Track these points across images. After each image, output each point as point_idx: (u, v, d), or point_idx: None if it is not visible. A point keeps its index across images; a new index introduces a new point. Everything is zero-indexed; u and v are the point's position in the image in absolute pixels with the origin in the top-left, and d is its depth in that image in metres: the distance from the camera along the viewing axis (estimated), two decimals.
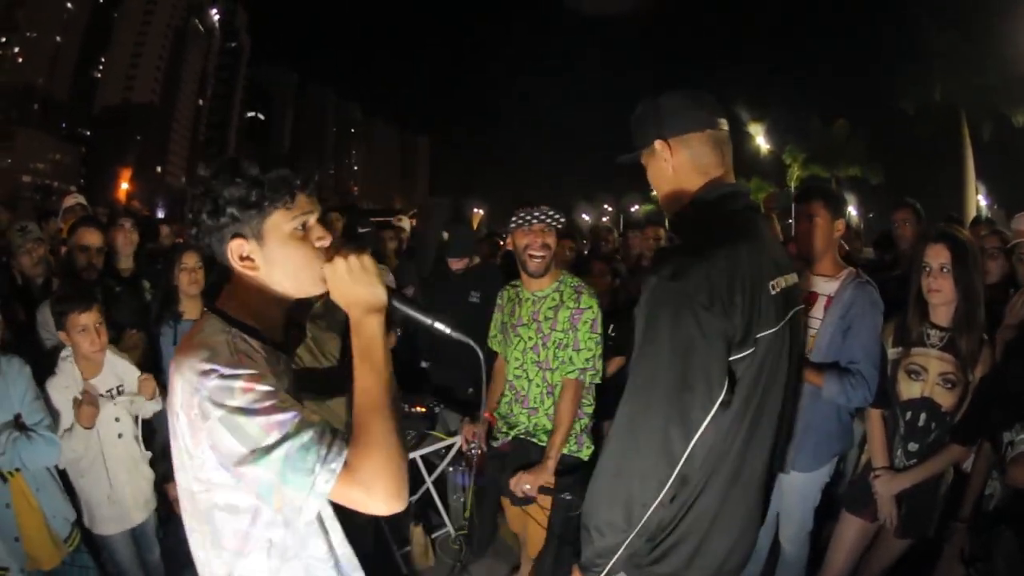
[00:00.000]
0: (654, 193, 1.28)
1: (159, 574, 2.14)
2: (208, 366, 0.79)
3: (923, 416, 1.75)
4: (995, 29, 13.85)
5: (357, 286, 0.87)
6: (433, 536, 2.66)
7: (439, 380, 2.84)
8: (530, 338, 2.02)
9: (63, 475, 1.91)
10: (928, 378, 1.74)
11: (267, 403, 0.78)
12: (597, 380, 2.00)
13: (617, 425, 1.01)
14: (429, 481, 2.57)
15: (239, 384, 0.78)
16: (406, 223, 4.97)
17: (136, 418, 2.05)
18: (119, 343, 2.18)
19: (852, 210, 23.36)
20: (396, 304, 0.92)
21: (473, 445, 2.18)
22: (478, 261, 3.02)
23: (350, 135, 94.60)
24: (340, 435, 0.80)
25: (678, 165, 1.17)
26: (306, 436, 0.77)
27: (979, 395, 1.69)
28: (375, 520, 2.23)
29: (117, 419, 1.96)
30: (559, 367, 1.98)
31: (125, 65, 61.96)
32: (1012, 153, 15.86)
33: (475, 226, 5.71)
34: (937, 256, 1.71)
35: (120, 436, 1.98)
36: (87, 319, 1.86)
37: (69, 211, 3.42)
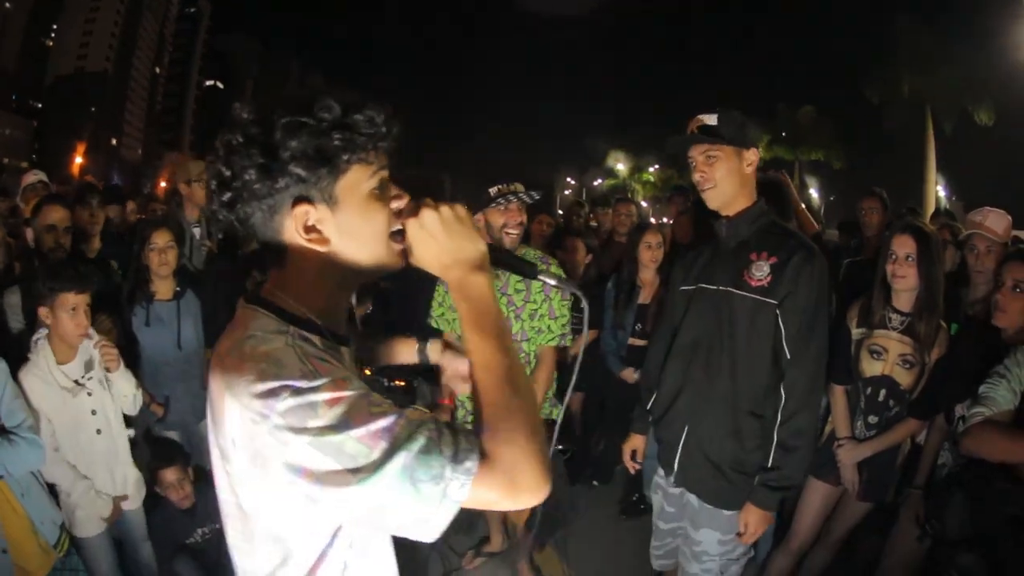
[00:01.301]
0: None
1: (150, 572, 2.06)
2: (274, 384, 0.61)
3: (883, 392, 1.89)
4: (963, 26, 14.32)
5: (456, 240, 0.71)
6: None
7: None
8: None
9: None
10: (888, 358, 1.88)
11: (362, 411, 0.60)
12: (568, 343, 2.10)
13: (816, 354, 1.48)
14: None
15: (321, 397, 0.60)
16: None
17: (117, 409, 1.92)
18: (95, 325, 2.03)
19: (813, 192, 24.37)
20: (498, 257, 0.79)
21: (453, 401, 2.21)
22: None
23: None
24: (459, 426, 0.65)
25: (751, 174, 1.53)
26: (421, 438, 0.60)
27: (934, 375, 1.84)
28: None
29: (94, 412, 1.84)
30: (534, 336, 2.03)
31: (78, 33, 57.82)
32: (972, 148, 16.54)
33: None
34: (903, 246, 1.83)
35: (99, 432, 1.85)
36: (78, 300, 1.76)
37: (30, 189, 3.20)
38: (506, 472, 0.61)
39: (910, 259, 1.81)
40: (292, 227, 0.69)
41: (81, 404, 1.81)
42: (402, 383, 2.48)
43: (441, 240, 0.71)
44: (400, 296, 2.81)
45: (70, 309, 1.74)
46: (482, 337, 0.68)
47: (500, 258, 0.81)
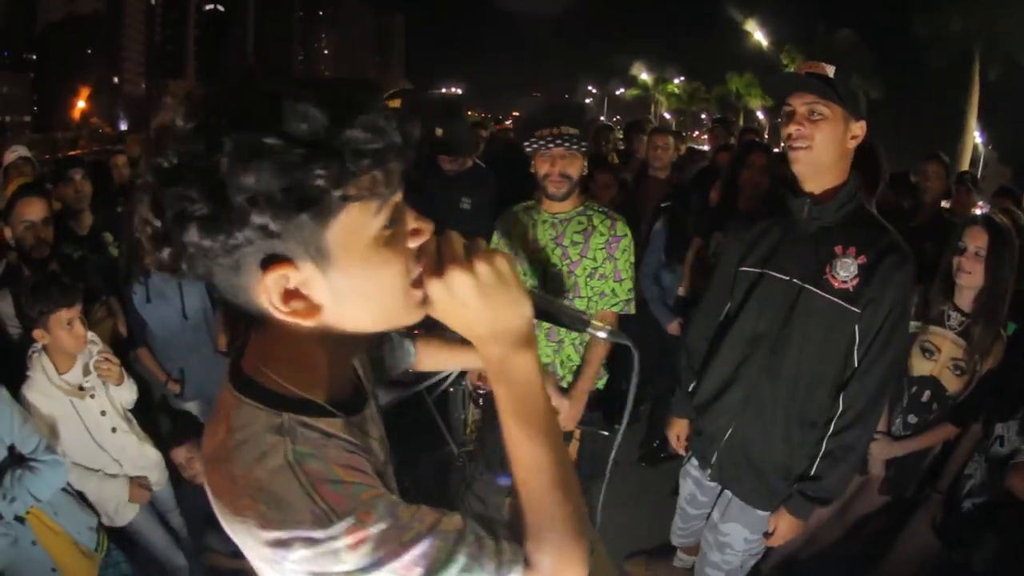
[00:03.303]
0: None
1: (183, 533, 2.11)
2: (282, 534, 0.48)
3: (927, 394, 1.80)
4: None
5: (495, 309, 0.54)
6: (437, 456, 2.71)
7: None
8: (553, 264, 1.85)
9: None
10: (940, 359, 1.78)
11: (392, 545, 0.49)
12: (632, 310, 1.92)
13: (887, 368, 1.33)
14: (430, 400, 2.58)
15: (343, 543, 0.48)
16: None
17: (118, 401, 1.91)
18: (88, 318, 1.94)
19: None
20: (541, 315, 0.63)
21: (480, 388, 2.15)
22: (471, 164, 2.80)
23: (319, 18, 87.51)
24: (499, 531, 0.56)
25: (851, 149, 1.32)
26: (462, 557, 0.52)
27: (982, 385, 1.74)
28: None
29: (103, 412, 1.83)
30: (592, 297, 1.87)
31: None
32: (1015, 99, 15.53)
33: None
34: (975, 239, 1.70)
35: (114, 430, 1.85)
36: (72, 313, 1.69)
37: (13, 168, 2.89)
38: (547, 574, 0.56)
39: (980, 254, 1.68)
40: (267, 298, 0.49)
41: (89, 408, 1.79)
42: (417, 333, 2.46)
43: (475, 309, 0.54)
44: None
45: (65, 325, 1.68)
46: (527, 432, 0.56)
47: (541, 309, 0.63)
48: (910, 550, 1.86)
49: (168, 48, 62.00)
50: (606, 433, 1.94)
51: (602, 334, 0.70)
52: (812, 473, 1.40)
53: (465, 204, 2.62)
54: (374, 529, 0.49)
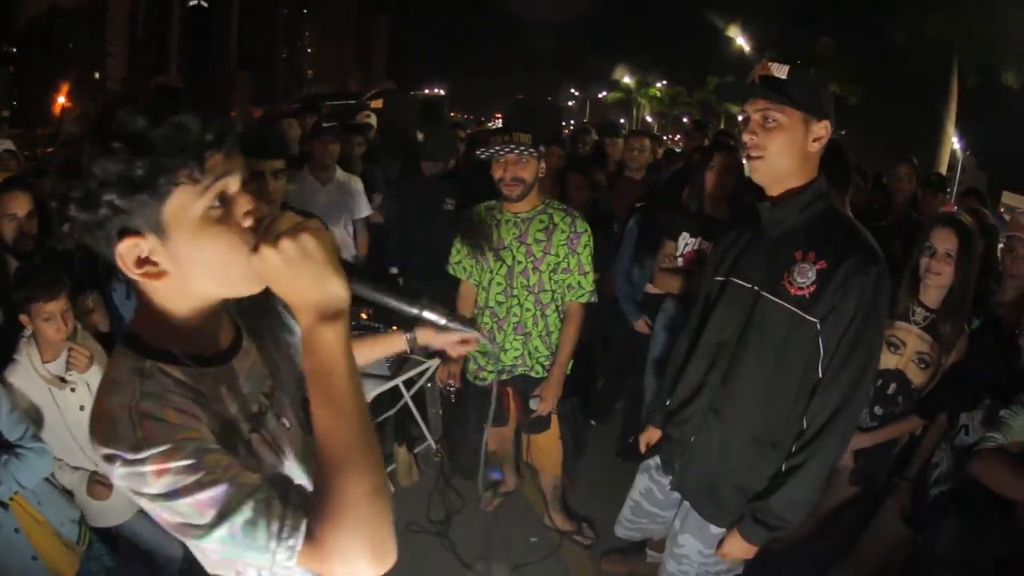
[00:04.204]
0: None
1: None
2: (108, 450, 0.60)
3: (893, 386, 1.85)
4: None
5: (301, 281, 0.61)
6: (415, 451, 2.74)
7: None
8: (518, 261, 1.98)
9: None
10: (905, 353, 1.83)
11: (189, 480, 0.59)
12: (595, 300, 2.06)
13: (850, 381, 1.21)
14: (407, 396, 2.61)
15: (149, 468, 0.59)
16: (374, 120, 4.62)
17: None
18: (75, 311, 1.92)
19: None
20: (364, 293, 0.68)
21: (450, 384, 2.20)
22: (453, 164, 2.86)
23: (302, 16, 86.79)
24: (292, 498, 0.63)
25: (815, 152, 1.23)
26: (247, 510, 0.60)
27: (946, 377, 1.79)
28: None
29: (82, 408, 1.80)
30: (553, 289, 2.00)
31: None
32: (992, 105, 15.90)
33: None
34: (944, 241, 1.73)
35: None
36: (53, 307, 1.69)
37: None
38: (338, 552, 0.60)
39: (950, 255, 1.72)
40: (124, 263, 0.63)
41: (68, 401, 1.78)
42: (398, 330, 2.46)
43: (286, 280, 0.62)
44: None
45: (44, 319, 1.69)
46: (324, 401, 0.61)
47: (371, 288, 0.69)
48: (880, 538, 1.91)
49: (152, 45, 60.96)
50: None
51: (442, 320, 0.72)
52: (764, 494, 1.30)
53: (449, 205, 2.65)
54: (175, 464, 0.59)
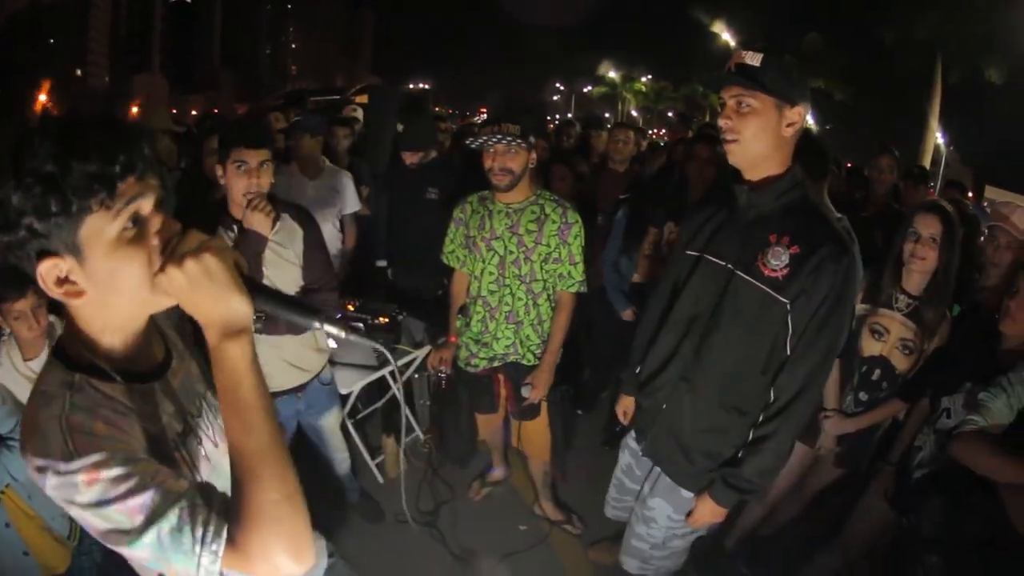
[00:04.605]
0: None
1: None
2: (40, 461, 0.62)
3: (877, 372, 1.88)
4: None
5: (204, 299, 0.65)
6: (403, 442, 2.73)
7: (400, 283, 2.76)
8: (510, 252, 1.99)
9: None
10: (889, 339, 1.85)
11: (120, 489, 0.62)
12: (585, 289, 2.08)
13: (817, 359, 1.29)
14: (395, 387, 2.60)
15: (80, 478, 0.62)
16: (360, 114, 4.59)
17: None
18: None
19: (810, 119, 23.77)
20: (269, 310, 0.71)
21: (442, 371, 2.21)
22: (434, 155, 2.84)
23: (286, 12, 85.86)
24: (216, 505, 0.66)
25: (789, 137, 1.27)
26: (173, 516, 0.63)
27: (929, 362, 1.82)
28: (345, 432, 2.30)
29: None
30: (545, 279, 2.01)
31: None
32: (975, 102, 16.15)
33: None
34: (928, 227, 1.75)
35: None
36: (23, 305, 1.66)
37: None
38: (258, 556, 0.64)
39: (934, 240, 1.74)
40: (45, 283, 0.65)
41: None
42: (385, 319, 2.42)
43: (190, 298, 0.65)
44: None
45: (15, 317, 1.66)
46: (232, 414, 0.65)
47: (275, 304, 0.72)
48: (865, 521, 1.94)
49: (134, 42, 59.97)
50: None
51: (342, 334, 0.75)
52: (737, 460, 1.39)
53: (432, 194, 2.63)
54: (106, 474, 0.62)
